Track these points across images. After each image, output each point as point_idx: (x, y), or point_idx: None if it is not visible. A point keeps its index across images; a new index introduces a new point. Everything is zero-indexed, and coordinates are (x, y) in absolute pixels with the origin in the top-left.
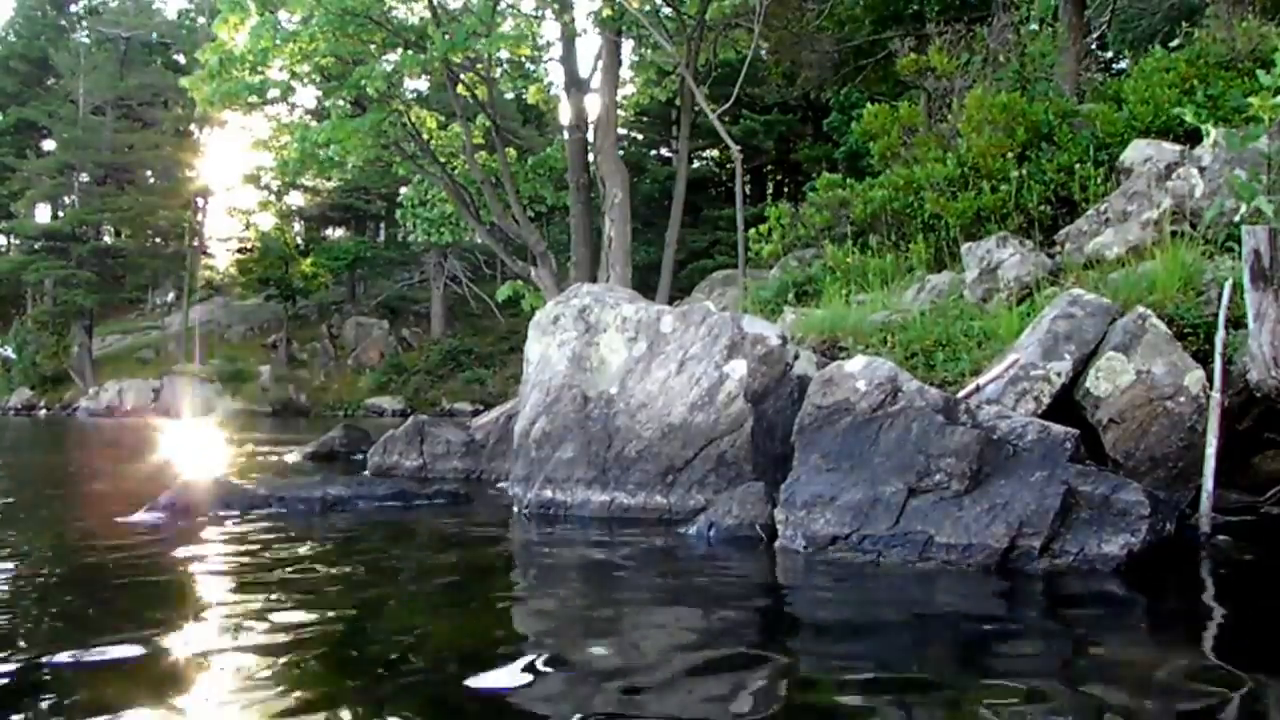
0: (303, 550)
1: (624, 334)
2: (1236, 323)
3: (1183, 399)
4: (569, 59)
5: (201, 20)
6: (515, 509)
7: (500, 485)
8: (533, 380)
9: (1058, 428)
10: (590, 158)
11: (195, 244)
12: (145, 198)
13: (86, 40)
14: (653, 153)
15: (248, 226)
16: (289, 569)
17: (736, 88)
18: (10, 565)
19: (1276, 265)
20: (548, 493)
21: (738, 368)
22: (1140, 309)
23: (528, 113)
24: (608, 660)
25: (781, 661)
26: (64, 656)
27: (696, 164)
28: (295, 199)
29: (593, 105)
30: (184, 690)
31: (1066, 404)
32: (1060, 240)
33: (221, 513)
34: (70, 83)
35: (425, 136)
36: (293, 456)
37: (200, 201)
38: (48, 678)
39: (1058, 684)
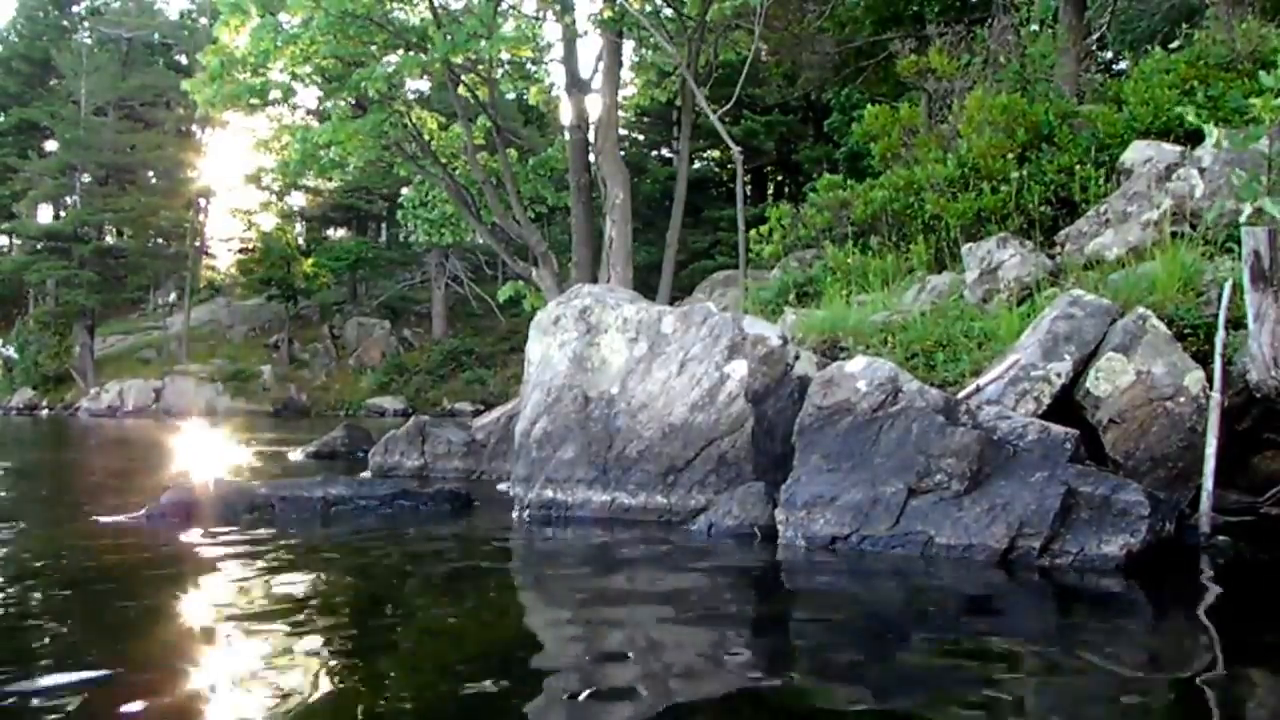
0: (303, 552)
1: (625, 334)
2: (1236, 323)
3: (1182, 399)
4: (570, 60)
5: (203, 21)
6: (516, 509)
7: (501, 485)
8: (534, 380)
9: (1058, 428)
10: (591, 158)
11: (197, 244)
12: (147, 198)
13: (88, 41)
14: (654, 153)
15: (249, 227)
16: (289, 571)
17: (737, 88)
18: (9, 569)
19: (1276, 266)
20: (549, 493)
21: (738, 368)
22: (1140, 310)
23: (529, 113)
24: (609, 661)
25: (780, 662)
26: (62, 671)
27: (697, 164)
28: (297, 199)
29: (594, 106)
30: (184, 705)
31: (1066, 404)
32: (1060, 241)
33: (223, 513)
34: (72, 83)
35: (426, 137)
36: (294, 456)
37: (202, 202)
38: (42, 694)
39: (1057, 684)
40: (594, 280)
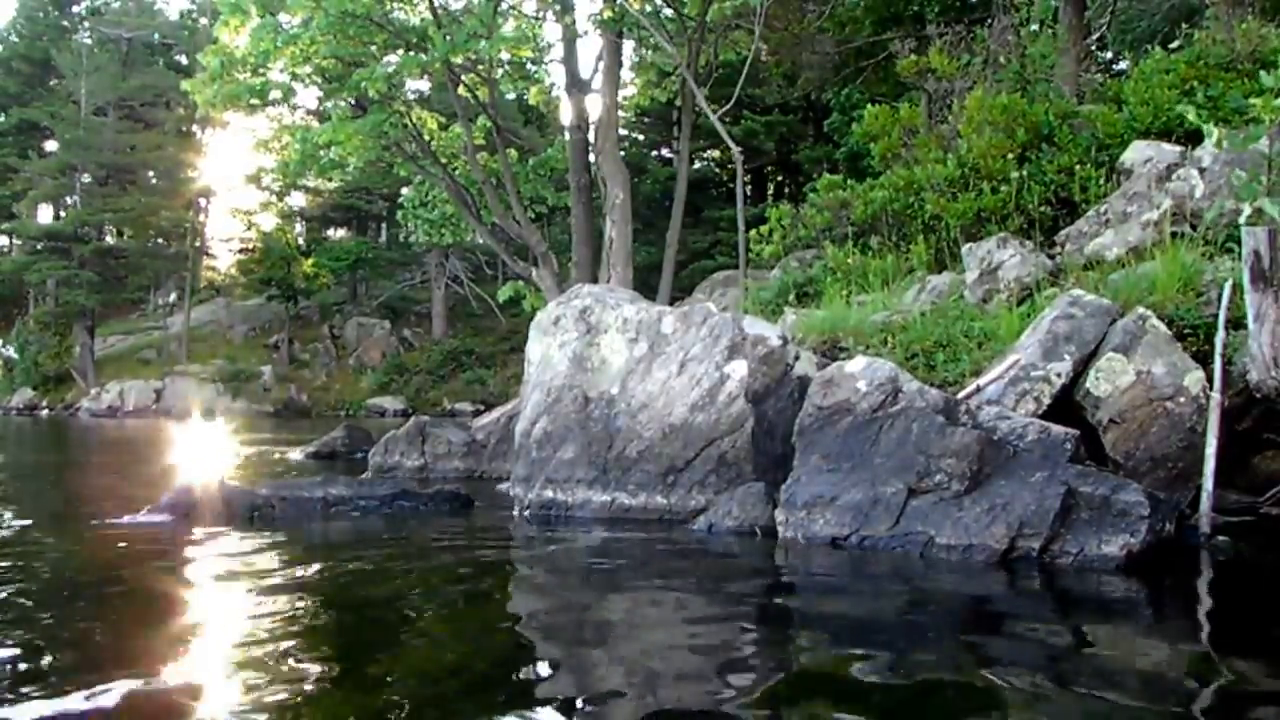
0: (303, 553)
1: (625, 335)
2: (1236, 323)
3: (1182, 399)
4: (570, 60)
5: (203, 21)
6: (516, 509)
7: (502, 485)
8: (534, 381)
9: (1058, 428)
10: (591, 158)
11: (197, 244)
12: (147, 198)
13: (89, 41)
14: (654, 153)
15: (249, 227)
16: (290, 572)
17: (737, 89)
18: (7, 571)
19: (1276, 266)
20: (549, 493)
21: (738, 368)
22: (1140, 310)
23: (529, 113)
24: (609, 661)
25: (779, 663)
26: (56, 681)
27: (697, 165)
28: (297, 199)
29: (594, 106)
30: (181, 708)
31: (1066, 404)
32: (1060, 241)
33: (223, 514)
34: (72, 83)
35: (426, 137)
36: (295, 456)
37: (202, 202)
38: (42, 700)
39: (1056, 684)
40: (594, 280)
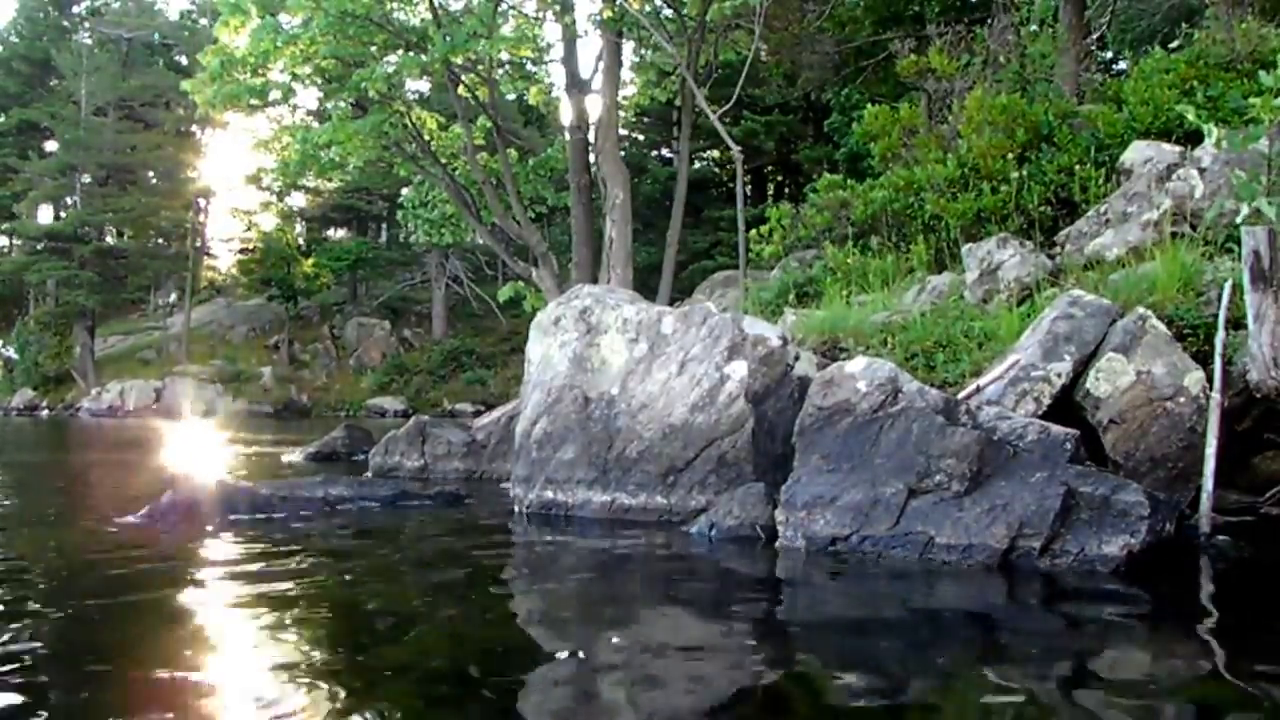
0: (304, 552)
1: (625, 335)
2: (1236, 324)
3: (1183, 400)
4: (570, 60)
5: (203, 21)
6: (516, 509)
7: (502, 486)
8: (534, 381)
9: (1058, 428)
10: (591, 158)
11: (197, 245)
12: (147, 198)
13: (89, 41)
14: (654, 153)
15: (250, 227)
16: (290, 572)
17: (737, 89)
18: (6, 572)
19: (1276, 266)
20: (549, 493)
21: (738, 369)
22: (1140, 310)
23: (529, 114)
24: (608, 661)
25: (781, 662)
26: (59, 681)
27: (697, 165)
28: (297, 200)
29: (594, 106)
30: (184, 708)
31: (1066, 405)
32: (1060, 241)
33: (223, 513)
34: (72, 84)
35: (426, 137)
36: (294, 457)
37: (202, 202)
38: (38, 707)
39: (1057, 685)
40: (594, 280)
